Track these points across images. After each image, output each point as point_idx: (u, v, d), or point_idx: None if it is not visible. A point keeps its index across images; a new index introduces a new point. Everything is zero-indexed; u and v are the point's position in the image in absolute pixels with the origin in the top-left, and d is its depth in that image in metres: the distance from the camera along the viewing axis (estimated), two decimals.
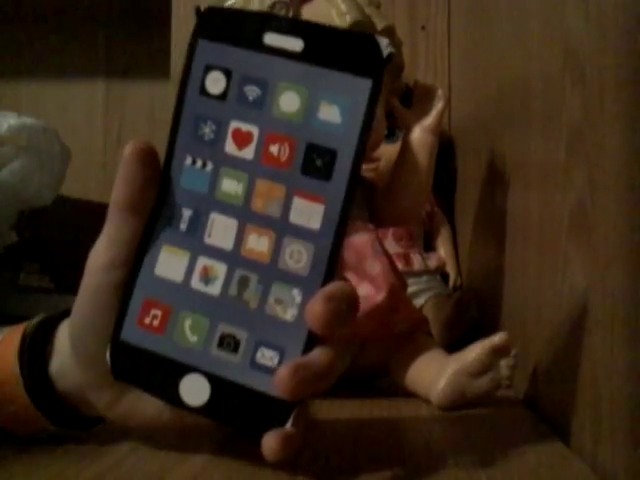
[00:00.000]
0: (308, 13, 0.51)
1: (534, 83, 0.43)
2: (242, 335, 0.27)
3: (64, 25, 0.95)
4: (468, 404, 0.40)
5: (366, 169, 0.67)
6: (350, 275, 0.42)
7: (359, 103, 0.26)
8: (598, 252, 0.31)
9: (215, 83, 0.27)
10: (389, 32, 0.50)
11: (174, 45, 0.83)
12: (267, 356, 0.26)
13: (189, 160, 0.27)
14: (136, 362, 0.27)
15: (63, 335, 0.30)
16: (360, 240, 0.43)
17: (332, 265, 0.26)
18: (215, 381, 0.27)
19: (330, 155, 0.26)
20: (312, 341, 0.26)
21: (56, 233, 0.86)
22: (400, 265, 0.62)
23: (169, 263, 0.27)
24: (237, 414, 0.27)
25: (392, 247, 0.64)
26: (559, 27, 0.37)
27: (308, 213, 0.26)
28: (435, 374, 0.41)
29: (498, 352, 0.40)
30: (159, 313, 0.27)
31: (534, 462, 0.31)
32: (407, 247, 0.68)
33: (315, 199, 0.26)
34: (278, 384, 0.25)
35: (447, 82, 0.80)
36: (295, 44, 0.26)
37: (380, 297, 0.41)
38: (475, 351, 0.41)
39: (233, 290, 0.27)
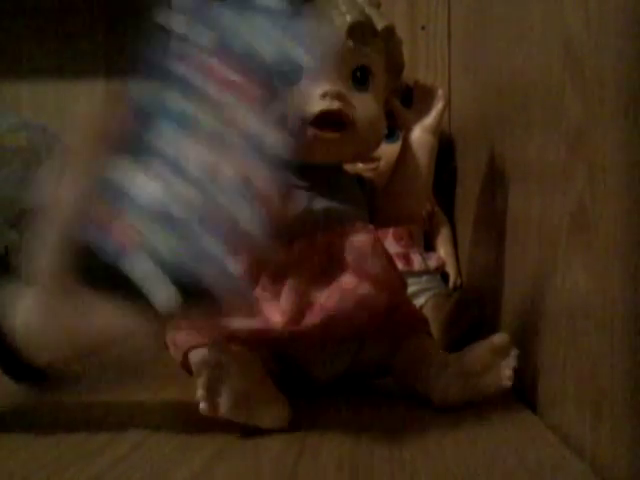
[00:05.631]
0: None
1: (534, 83, 0.43)
2: None
3: (64, 25, 0.95)
4: (468, 404, 0.40)
5: (366, 169, 0.66)
6: (350, 275, 0.42)
7: None
8: (598, 252, 0.31)
9: None
10: (389, 32, 0.50)
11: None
12: None
13: None
14: None
15: None
16: (360, 240, 0.43)
17: None
18: None
19: None
20: None
21: None
22: (400, 265, 0.62)
23: None
24: None
25: (392, 247, 0.65)
26: (559, 27, 0.37)
27: None
28: (435, 374, 0.41)
29: (498, 352, 0.40)
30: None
31: (534, 462, 0.31)
32: (407, 247, 0.68)
33: None
34: None
35: (447, 82, 0.80)
36: None
37: (380, 297, 0.41)
38: (475, 351, 0.41)
39: None
